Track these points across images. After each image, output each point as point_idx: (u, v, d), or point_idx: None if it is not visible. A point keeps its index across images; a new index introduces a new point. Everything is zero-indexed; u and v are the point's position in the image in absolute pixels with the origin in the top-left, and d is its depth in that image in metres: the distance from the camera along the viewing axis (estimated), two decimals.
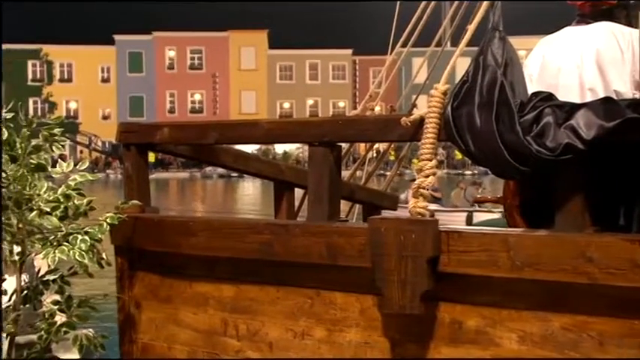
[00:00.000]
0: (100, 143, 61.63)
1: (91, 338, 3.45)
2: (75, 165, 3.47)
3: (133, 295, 3.69)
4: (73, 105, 64.73)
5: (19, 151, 3.34)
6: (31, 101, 61.30)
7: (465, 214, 11.99)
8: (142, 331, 3.70)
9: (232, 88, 66.93)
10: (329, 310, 3.11)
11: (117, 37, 65.96)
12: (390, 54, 5.76)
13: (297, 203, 4.80)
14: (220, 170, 44.15)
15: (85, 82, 64.77)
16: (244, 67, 66.72)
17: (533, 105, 2.66)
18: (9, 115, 3.38)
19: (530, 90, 2.92)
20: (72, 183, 3.34)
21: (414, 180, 2.91)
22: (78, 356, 3.80)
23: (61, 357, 4.06)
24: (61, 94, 63.74)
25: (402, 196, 10.21)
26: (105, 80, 66.67)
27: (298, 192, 4.68)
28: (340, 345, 3.09)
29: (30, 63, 65.30)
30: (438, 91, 2.86)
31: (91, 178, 3.42)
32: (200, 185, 46.90)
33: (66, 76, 66.18)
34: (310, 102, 67.36)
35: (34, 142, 3.40)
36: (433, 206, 12.80)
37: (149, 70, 66.46)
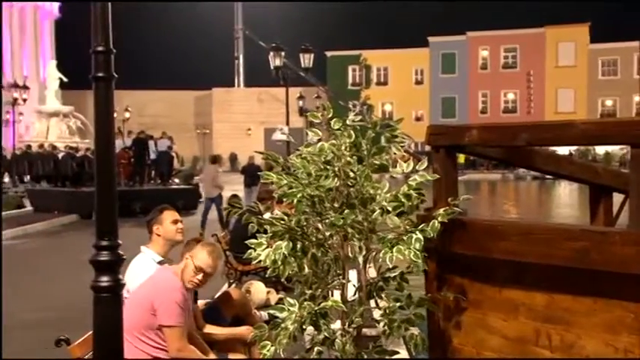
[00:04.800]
0: (412, 145, 63.50)
1: (424, 338, 3.52)
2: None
3: (443, 298, 3.69)
4: (388, 107, 67.46)
5: (365, 152, 3.53)
6: (350, 104, 65.15)
7: None
8: (450, 334, 3.69)
9: (548, 86, 64.62)
10: None
11: (431, 39, 67.34)
12: None
13: (615, 209, 4.48)
14: (534, 172, 42.86)
15: (400, 85, 67.11)
16: (562, 64, 64.01)
17: None
18: (357, 118, 3.58)
19: None
20: (412, 183, 3.44)
21: None
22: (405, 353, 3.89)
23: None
24: (378, 97, 66.68)
25: None
26: (418, 82, 68.47)
27: (617, 197, 4.36)
28: None
29: (350, 68, 69.43)
30: None
31: (430, 178, 3.50)
32: (512, 187, 45.98)
33: (382, 80, 69.23)
34: (637, 99, 62.36)
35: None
36: None
37: (462, 71, 66.84)
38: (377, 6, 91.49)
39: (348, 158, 3.49)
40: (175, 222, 5.04)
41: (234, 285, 8.40)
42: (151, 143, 26.86)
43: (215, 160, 20.08)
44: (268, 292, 7.35)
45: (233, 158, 51.52)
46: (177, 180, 28.95)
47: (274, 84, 39.03)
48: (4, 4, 62.00)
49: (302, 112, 43.95)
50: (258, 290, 7.25)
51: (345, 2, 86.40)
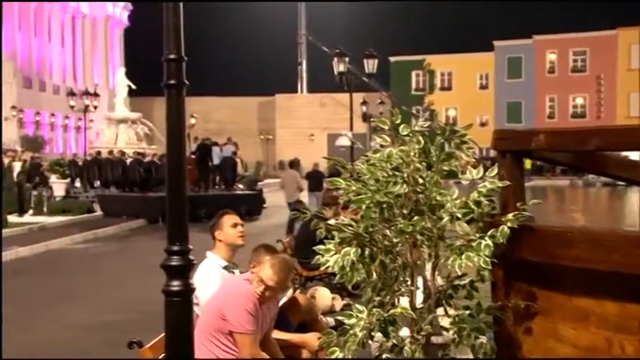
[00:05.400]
0: (477, 151, 62.59)
1: (494, 346, 3.48)
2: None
3: (510, 306, 3.64)
4: (452, 112, 66.73)
5: (434, 159, 3.51)
6: (413, 110, 64.86)
7: None
8: (519, 342, 3.63)
9: (619, 90, 62.87)
10: None
11: (496, 43, 66.42)
12: None
13: None
14: (604, 178, 41.67)
15: (464, 90, 66.35)
16: (634, 67, 62.19)
17: None
18: (425, 124, 3.57)
19: None
20: (482, 190, 3.41)
21: None
22: None
23: None
24: (441, 102, 65.97)
25: None
26: (483, 87, 67.63)
27: None
28: None
29: (414, 73, 69.03)
30: None
31: (500, 185, 3.45)
32: (581, 193, 44.89)
33: (446, 85, 68.64)
34: None
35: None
36: None
37: (528, 75, 65.69)
38: (441, 7, 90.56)
39: (417, 164, 3.47)
40: (235, 225, 5.06)
41: (298, 291, 8.45)
42: (216, 149, 27.22)
43: (293, 164, 20.52)
44: (333, 299, 7.38)
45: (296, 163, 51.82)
46: (241, 185, 29.29)
47: (337, 89, 39.09)
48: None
49: (365, 117, 43.93)
50: (323, 296, 7.28)
51: (408, 1, 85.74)
